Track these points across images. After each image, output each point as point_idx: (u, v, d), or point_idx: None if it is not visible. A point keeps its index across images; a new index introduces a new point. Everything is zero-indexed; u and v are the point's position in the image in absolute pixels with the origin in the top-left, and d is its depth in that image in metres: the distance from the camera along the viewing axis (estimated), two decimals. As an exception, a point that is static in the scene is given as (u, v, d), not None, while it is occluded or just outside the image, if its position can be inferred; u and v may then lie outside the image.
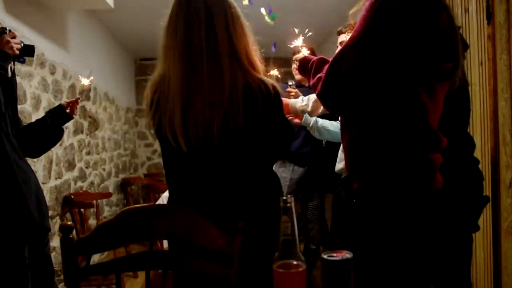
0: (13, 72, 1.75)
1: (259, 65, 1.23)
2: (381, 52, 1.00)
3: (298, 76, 2.19)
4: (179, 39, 1.16)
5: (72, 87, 3.41)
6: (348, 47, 1.02)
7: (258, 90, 1.17)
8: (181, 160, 1.22)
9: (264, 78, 1.21)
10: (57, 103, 3.03)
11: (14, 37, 1.73)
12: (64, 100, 3.18)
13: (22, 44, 1.78)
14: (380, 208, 1.04)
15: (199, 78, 1.15)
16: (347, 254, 0.71)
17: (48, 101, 2.93)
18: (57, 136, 2.03)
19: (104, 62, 4.39)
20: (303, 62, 1.35)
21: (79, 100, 2.10)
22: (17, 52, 1.73)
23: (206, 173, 1.21)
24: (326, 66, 1.05)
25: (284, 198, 0.72)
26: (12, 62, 1.72)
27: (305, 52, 1.53)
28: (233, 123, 1.15)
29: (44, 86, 2.88)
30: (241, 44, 1.19)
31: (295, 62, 1.42)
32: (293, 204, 0.72)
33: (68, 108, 2.04)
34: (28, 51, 1.83)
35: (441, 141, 1.08)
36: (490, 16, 1.97)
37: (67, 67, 3.31)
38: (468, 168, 1.24)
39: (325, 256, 0.71)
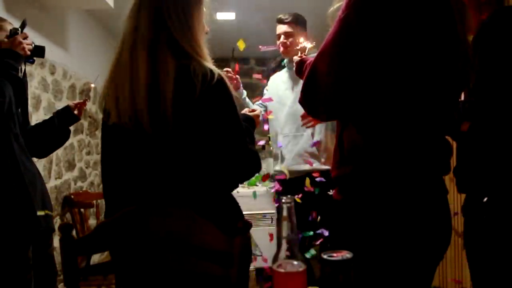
0: (23, 72, 1.77)
1: (206, 55, 1.20)
2: (363, 58, 0.94)
3: None
4: (127, 25, 1.22)
5: (72, 87, 3.41)
6: (322, 53, 0.98)
7: (195, 73, 1.11)
8: (119, 140, 1.19)
9: (211, 66, 1.16)
10: (57, 103, 3.06)
11: (26, 37, 1.75)
12: (63, 99, 3.20)
13: (33, 45, 1.81)
14: (376, 214, 0.99)
15: (133, 62, 1.15)
16: (347, 254, 0.71)
17: (48, 101, 2.93)
18: (64, 136, 2.06)
19: (104, 62, 4.38)
20: (299, 64, 1.35)
21: (86, 102, 2.13)
22: (29, 53, 1.76)
23: (140, 156, 1.16)
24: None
25: (284, 198, 0.72)
26: (23, 63, 1.74)
27: (308, 45, 1.51)
28: (163, 104, 1.10)
29: (44, 86, 2.88)
30: (184, 30, 1.16)
31: (295, 64, 1.41)
32: (293, 204, 0.72)
33: (76, 109, 2.06)
34: (38, 51, 1.86)
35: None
36: (490, 16, 1.97)
37: (67, 67, 3.31)
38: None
39: (325, 256, 0.71)
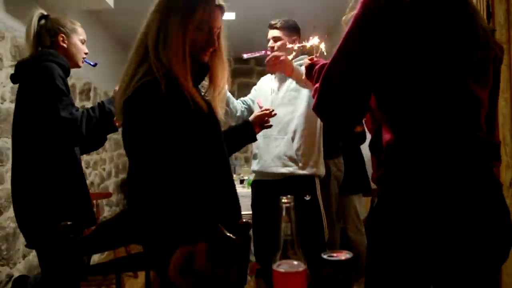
0: None
1: (175, 64, 1.16)
2: (378, 56, 0.93)
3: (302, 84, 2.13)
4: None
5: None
6: (336, 58, 0.97)
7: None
8: None
9: (152, 78, 1.12)
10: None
11: None
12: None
13: None
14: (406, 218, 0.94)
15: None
16: (347, 254, 0.71)
17: (48, 101, 2.93)
18: (99, 142, 2.05)
19: (104, 62, 4.38)
20: (309, 68, 1.33)
21: None
22: None
23: None
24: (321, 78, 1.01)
25: (284, 198, 0.72)
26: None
27: (315, 41, 1.49)
28: None
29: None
30: (151, 39, 1.21)
31: (304, 68, 1.38)
32: (292, 204, 0.72)
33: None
34: None
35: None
36: (490, 16, 1.97)
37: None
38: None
39: (325, 256, 0.71)
